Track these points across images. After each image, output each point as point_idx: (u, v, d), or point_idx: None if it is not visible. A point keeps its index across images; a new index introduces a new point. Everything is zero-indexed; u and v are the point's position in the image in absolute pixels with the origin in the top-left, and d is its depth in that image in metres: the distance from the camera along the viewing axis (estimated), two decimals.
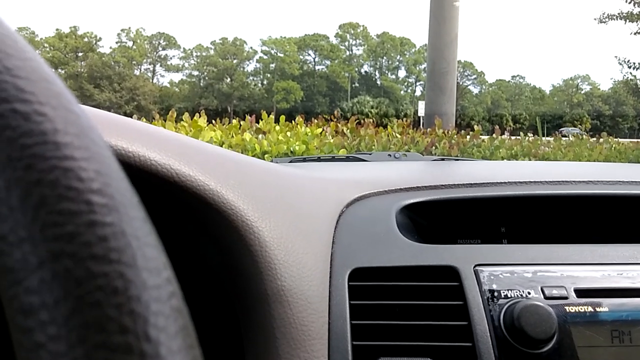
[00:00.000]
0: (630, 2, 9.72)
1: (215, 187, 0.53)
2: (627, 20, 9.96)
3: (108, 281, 0.19)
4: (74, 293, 0.19)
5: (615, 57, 10.39)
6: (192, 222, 0.57)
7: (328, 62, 64.63)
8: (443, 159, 1.29)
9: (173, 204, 0.54)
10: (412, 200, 0.72)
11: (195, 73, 62.60)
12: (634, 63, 10.13)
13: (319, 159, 1.35)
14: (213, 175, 0.54)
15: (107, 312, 0.19)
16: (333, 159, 1.35)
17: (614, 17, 10.05)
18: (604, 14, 10.22)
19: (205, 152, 0.58)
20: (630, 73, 10.67)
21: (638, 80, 10.86)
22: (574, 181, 0.78)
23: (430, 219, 0.76)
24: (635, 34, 10.09)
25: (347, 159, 1.33)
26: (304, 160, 1.33)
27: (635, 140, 5.92)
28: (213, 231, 0.55)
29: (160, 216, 0.59)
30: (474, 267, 0.58)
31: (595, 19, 10.41)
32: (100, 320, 0.18)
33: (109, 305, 0.19)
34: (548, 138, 6.15)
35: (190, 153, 0.54)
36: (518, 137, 5.37)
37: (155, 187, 0.51)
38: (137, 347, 0.18)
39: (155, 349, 0.19)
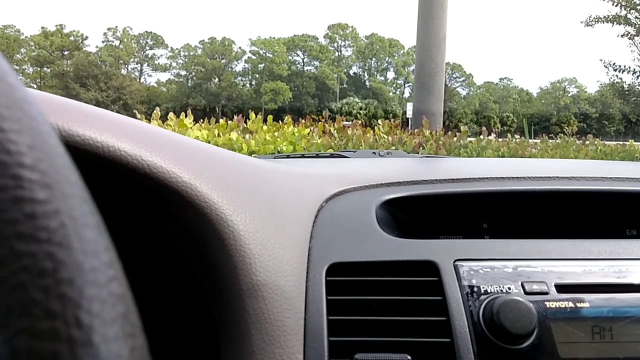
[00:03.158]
0: (617, 5, 9.80)
1: (189, 180, 0.51)
2: (614, 23, 10.04)
3: (34, 262, 0.17)
4: None
5: (601, 60, 10.48)
6: (165, 216, 0.55)
7: (317, 63, 64.64)
8: (428, 157, 1.29)
9: (145, 196, 0.53)
10: (392, 196, 0.71)
11: (183, 73, 62.34)
12: (620, 66, 10.23)
13: (302, 156, 1.34)
14: (186, 167, 0.52)
15: (32, 295, 0.17)
16: (317, 156, 1.34)
17: (601, 20, 10.13)
18: (590, 16, 10.30)
19: (179, 143, 0.56)
20: (616, 76, 10.77)
21: (624, 83, 10.96)
22: (556, 177, 0.78)
23: (411, 214, 0.75)
24: (621, 36, 10.18)
25: (331, 156, 1.32)
26: (288, 157, 1.32)
27: (622, 142, 5.97)
28: (186, 225, 0.53)
29: (132, 209, 0.57)
30: (454, 262, 0.57)
31: (582, 22, 10.48)
32: (24, 304, 0.17)
33: (35, 287, 0.17)
34: (535, 140, 6.18)
35: (162, 144, 0.53)
36: (505, 139, 5.39)
37: (126, 178, 0.50)
38: (65, 334, 0.17)
39: (86, 336, 0.17)
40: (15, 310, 0.17)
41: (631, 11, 9.81)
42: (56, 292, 0.17)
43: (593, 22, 10.29)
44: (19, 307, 0.17)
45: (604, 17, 10.08)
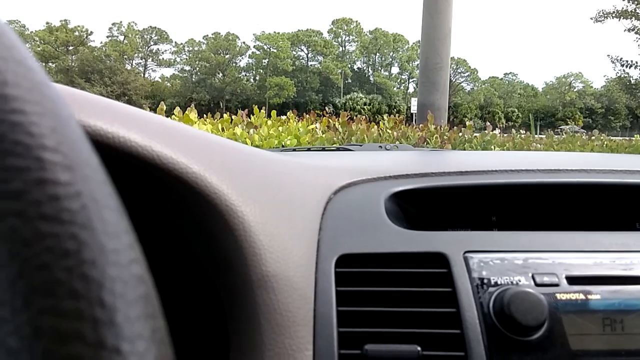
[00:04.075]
0: None
1: (199, 170, 0.51)
2: (622, 18, 9.98)
3: (58, 242, 0.18)
4: (20, 254, 0.17)
5: (608, 55, 10.42)
6: (175, 206, 0.55)
7: (321, 58, 64.49)
8: (435, 150, 1.28)
9: (155, 187, 0.53)
10: (401, 188, 0.71)
11: (187, 68, 62.31)
12: (627, 61, 10.16)
13: (308, 150, 1.34)
14: (196, 158, 0.52)
15: (56, 275, 0.17)
16: (323, 150, 1.34)
17: (610, 15, 10.06)
18: (600, 11, 10.23)
19: (188, 134, 0.56)
20: (623, 70, 10.70)
21: (631, 78, 10.90)
22: (567, 169, 0.77)
23: (420, 207, 0.75)
24: (628, 31, 10.12)
25: (338, 149, 1.32)
26: (294, 150, 1.31)
27: (628, 137, 5.96)
28: (196, 215, 0.53)
29: (142, 199, 0.57)
30: (464, 253, 0.57)
31: (591, 18, 10.42)
32: (48, 283, 0.17)
33: (59, 268, 0.17)
34: (540, 135, 6.17)
35: (172, 135, 0.53)
36: (510, 134, 5.37)
37: (136, 169, 0.49)
38: (89, 313, 0.17)
39: (109, 316, 0.17)
40: (40, 290, 0.17)
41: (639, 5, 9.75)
42: (79, 273, 0.18)
43: (603, 18, 10.22)
44: (43, 287, 0.17)
45: (613, 12, 10.01)
